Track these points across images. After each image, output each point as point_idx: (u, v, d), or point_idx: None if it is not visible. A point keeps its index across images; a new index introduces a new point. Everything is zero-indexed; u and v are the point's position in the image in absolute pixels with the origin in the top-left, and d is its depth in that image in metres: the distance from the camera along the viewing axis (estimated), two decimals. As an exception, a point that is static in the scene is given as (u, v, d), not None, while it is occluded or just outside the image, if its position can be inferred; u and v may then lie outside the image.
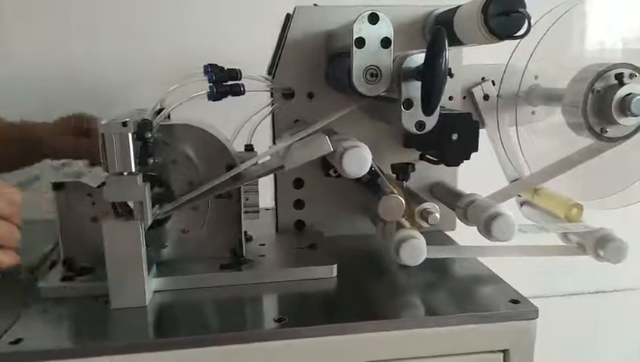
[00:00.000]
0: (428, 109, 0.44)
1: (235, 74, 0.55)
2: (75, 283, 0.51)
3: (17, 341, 0.43)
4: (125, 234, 0.47)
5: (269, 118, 0.65)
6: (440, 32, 0.42)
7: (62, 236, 0.53)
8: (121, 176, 0.46)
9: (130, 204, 0.50)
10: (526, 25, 0.47)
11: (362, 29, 0.46)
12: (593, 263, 0.57)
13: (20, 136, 0.72)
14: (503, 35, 0.47)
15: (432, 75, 0.42)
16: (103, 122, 0.45)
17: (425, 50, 0.44)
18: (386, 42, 0.47)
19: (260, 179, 0.59)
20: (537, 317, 0.48)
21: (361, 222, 0.68)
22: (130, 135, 0.45)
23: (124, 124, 0.45)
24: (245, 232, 0.57)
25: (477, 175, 0.65)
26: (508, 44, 0.52)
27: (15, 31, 0.85)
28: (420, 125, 0.48)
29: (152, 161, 0.48)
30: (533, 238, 0.55)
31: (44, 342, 0.44)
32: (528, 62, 0.56)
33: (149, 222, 0.48)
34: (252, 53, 0.70)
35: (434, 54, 0.42)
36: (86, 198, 0.53)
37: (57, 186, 0.52)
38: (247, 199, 0.59)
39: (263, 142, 0.66)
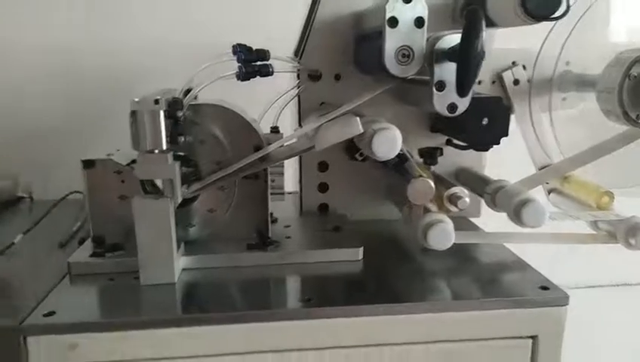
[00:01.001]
0: (462, 91, 0.43)
1: (263, 54, 0.54)
2: (104, 260, 0.52)
3: (50, 313, 0.44)
4: (155, 212, 0.47)
5: (293, 101, 0.65)
6: (477, 12, 0.41)
7: (91, 213, 0.54)
8: (152, 154, 0.46)
9: (158, 183, 0.51)
10: (564, 6, 0.46)
11: (396, 7, 0.45)
12: (621, 254, 0.56)
13: None
14: (539, 17, 0.46)
15: (468, 56, 0.41)
16: (135, 100, 0.45)
17: (456, 31, 0.43)
18: (419, 22, 0.46)
19: (283, 163, 0.59)
20: (567, 304, 0.48)
21: (384, 206, 0.68)
22: (162, 112, 0.45)
23: (156, 101, 0.45)
24: (271, 213, 0.58)
25: (498, 161, 0.64)
26: (537, 27, 0.51)
27: (46, 17, 0.85)
28: (452, 107, 0.48)
29: (182, 139, 0.48)
30: (561, 226, 0.54)
31: (76, 315, 0.45)
32: (563, 46, 0.55)
33: (179, 200, 0.49)
34: (276, 35, 0.70)
35: (470, 34, 0.41)
36: (115, 176, 0.53)
37: (87, 164, 0.52)
38: (272, 181, 0.59)
39: (285, 125, 0.66)
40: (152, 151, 0.46)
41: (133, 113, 0.45)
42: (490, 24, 0.52)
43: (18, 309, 0.45)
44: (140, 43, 0.88)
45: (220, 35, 0.83)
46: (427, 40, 0.47)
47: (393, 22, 0.46)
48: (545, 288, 0.49)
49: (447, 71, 0.46)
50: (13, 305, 0.46)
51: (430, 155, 0.57)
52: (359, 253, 0.55)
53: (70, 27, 0.86)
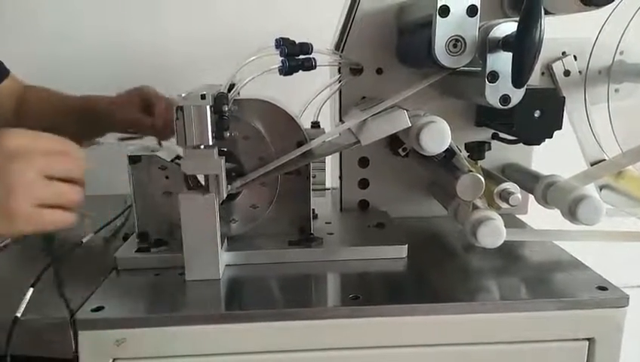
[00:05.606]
0: (519, 81, 0.41)
1: (306, 48, 0.53)
2: (150, 255, 0.52)
3: (98, 308, 0.45)
4: (201, 208, 0.47)
5: (328, 96, 0.64)
6: (536, -3, 0.39)
7: (137, 209, 0.54)
8: (198, 150, 0.46)
9: (200, 178, 0.51)
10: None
11: (447, -4, 0.44)
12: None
13: (80, 107, 0.71)
14: (601, 2, 0.44)
15: (526, 44, 0.39)
16: (182, 95, 0.45)
17: (511, 19, 0.42)
18: (472, 10, 0.44)
19: (325, 158, 0.58)
20: (627, 305, 0.45)
21: (426, 203, 0.66)
22: (208, 108, 0.45)
23: (203, 96, 0.45)
24: (313, 210, 0.57)
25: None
26: (580, 16, 0.48)
27: (82, 10, 0.87)
28: (505, 99, 0.46)
29: (227, 134, 0.48)
30: (611, 223, 0.52)
31: (124, 311, 0.45)
32: (623, 35, 0.52)
33: (224, 196, 0.48)
34: (312, 28, 0.68)
35: (529, 21, 0.39)
36: (160, 172, 0.53)
37: (133, 160, 0.53)
38: (314, 177, 0.58)
39: (323, 120, 0.65)
40: (198, 147, 0.46)
41: (180, 108, 0.45)
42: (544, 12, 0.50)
43: (69, 303, 0.45)
44: (174, 41, 0.89)
45: (257, 29, 0.84)
46: (479, 29, 0.45)
47: (444, 11, 0.44)
48: (603, 288, 0.46)
49: (501, 61, 0.45)
50: (64, 299, 0.47)
51: (478, 150, 0.55)
52: (404, 250, 0.54)
53: (118, 23, 0.88)
